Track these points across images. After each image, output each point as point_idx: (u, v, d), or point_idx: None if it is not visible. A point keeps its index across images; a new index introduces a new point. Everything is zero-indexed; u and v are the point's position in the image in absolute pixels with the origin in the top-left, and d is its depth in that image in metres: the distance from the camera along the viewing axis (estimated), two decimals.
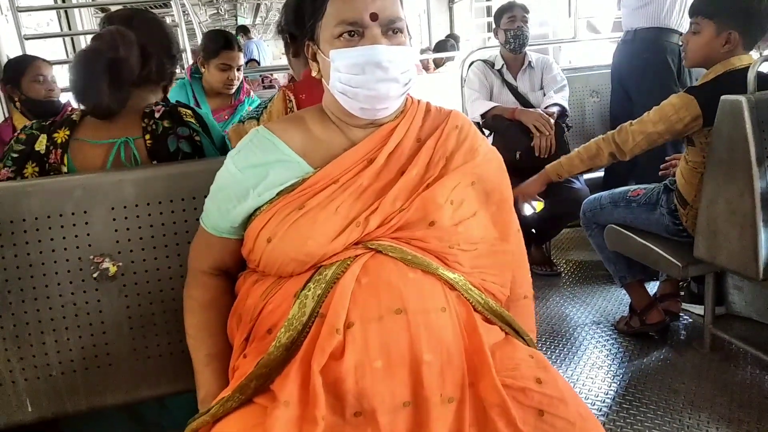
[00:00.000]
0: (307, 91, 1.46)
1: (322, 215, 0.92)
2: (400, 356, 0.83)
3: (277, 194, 0.96)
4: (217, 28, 9.93)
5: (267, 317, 0.91)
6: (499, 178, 1.08)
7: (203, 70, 2.41)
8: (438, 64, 5.69)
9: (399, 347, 0.83)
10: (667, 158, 2.15)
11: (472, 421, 0.84)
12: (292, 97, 1.49)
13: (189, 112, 1.36)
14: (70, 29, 5.34)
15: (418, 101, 1.08)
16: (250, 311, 0.94)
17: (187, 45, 3.22)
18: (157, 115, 1.30)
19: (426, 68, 5.55)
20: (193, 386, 1.01)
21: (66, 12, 4.92)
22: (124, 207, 1.19)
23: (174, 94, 2.41)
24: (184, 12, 3.72)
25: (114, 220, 1.18)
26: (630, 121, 1.90)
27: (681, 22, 2.64)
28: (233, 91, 2.44)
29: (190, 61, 2.98)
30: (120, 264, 1.19)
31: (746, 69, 1.68)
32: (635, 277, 2.13)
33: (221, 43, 2.36)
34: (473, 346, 0.90)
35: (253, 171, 0.97)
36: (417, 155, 0.99)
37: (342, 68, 0.92)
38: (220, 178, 1.02)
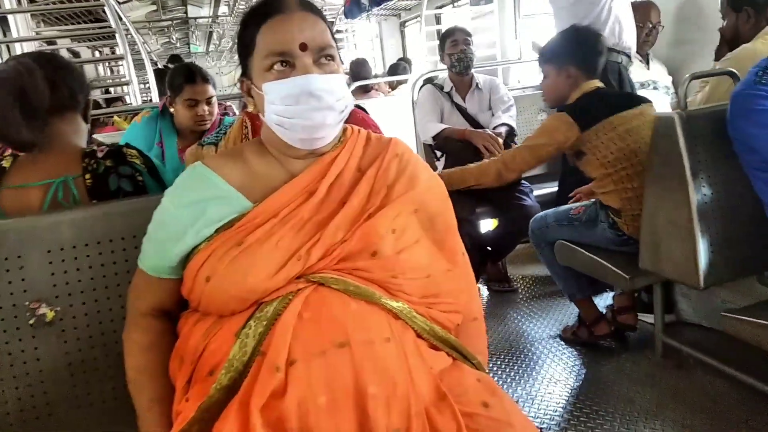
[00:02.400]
0: None
1: (262, 250, 0.91)
2: (345, 391, 0.82)
3: (216, 231, 0.94)
4: (173, 54, 9.85)
5: (208, 358, 0.89)
6: (442, 204, 1.09)
7: (171, 109, 2.26)
8: (392, 87, 5.77)
9: (343, 381, 0.82)
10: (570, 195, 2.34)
11: None
12: (249, 124, 1.48)
13: (134, 152, 1.34)
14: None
15: (359, 130, 1.08)
16: (192, 352, 0.92)
17: (134, 77, 3.18)
18: (99, 154, 1.28)
19: (382, 91, 5.62)
20: None
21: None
22: (62, 249, 1.15)
23: (142, 129, 2.29)
24: (131, 43, 3.68)
25: (50, 263, 1.15)
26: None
27: (620, 41, 2.73)
28: (207, 126, 2.25)
29: (137, 94, 2.94)
30: (58, 309, 1.15)
31: (596, 91, 2.02)
32: (584, 294, 2.20)
33: (183, 78, 2.20)
34: (421, 373, 0.90)
35: (190, 209, 0.96)
36: (358, 185, 0.99)
37: (276, 100, 0.93)
38: (157, 216, 1.00)
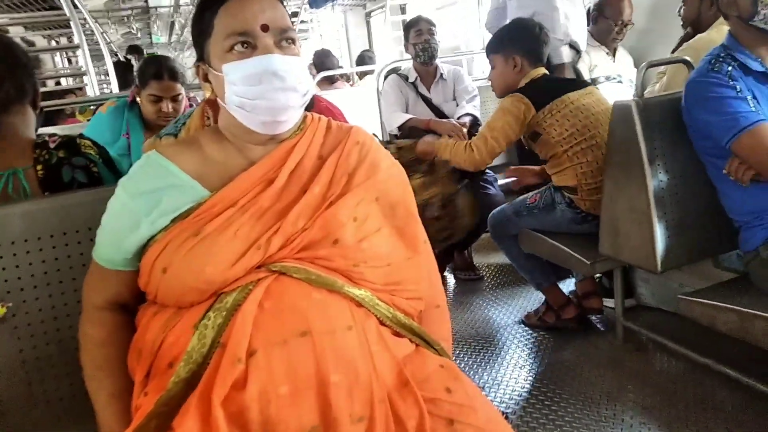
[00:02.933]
0: None
1: (221, 240, 0.89)
2: (307, 380, 0.82)
3: (172, 221, 0.92)
4: (131, 45, 9.58)
5: (167, 351, 0.88)
6: (403, 192, 1.08)
7: (138, 100, 2.20)
8: (360, 77, 5.74)
9: (305, 371, 0.82)
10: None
11: None
12: (210, 113, 1.44)
13: (88, 143, 1.30)
14: None
15: (319, 118, 1.07)
16: (150, 346, 0.90)
17: (90, 67, 3.09)
18: (51, 145, 1.24)
19: (347, 82, 5.58)
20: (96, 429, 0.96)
21: None
22: (12, 243, 1.12)
23: (107, 119, 2.23)
24: (88, 32, 3.57)
25: (1, 258, 1.11)
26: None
27: (568, 35, 2.78)
28: (172, 123, 2.23)
29: (95, 85, 2.85)
30: (10, 305, 1.11)
31: (542, 76, 2.13)
32: (550, 281, 2.25)
33: (150, 72, 2.12)
34: (384, 360, 0.90)
35: (145, 198, 0.93)
36: (319, 173, 0.98)
37: (237, 81, 0.91)
38: (111, 207, 0.98)
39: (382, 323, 0.95)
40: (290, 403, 0.80)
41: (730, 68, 1.53)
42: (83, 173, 1.25)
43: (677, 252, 1.68)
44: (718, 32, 2.06)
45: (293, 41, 0.94)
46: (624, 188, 1.74)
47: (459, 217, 2.37)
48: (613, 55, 3.05)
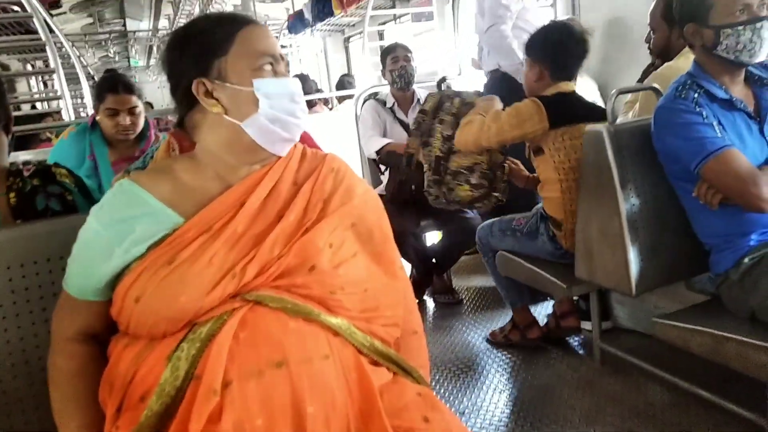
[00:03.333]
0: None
1: (195, 268, 0.88)
2: (283, 411, 0.81)
3: (147, 249, 0.91)
4: (108, 68, 9.53)
5: (139, 383, 0.86)
6: (378, 217, 1.09)
7: (98, 117, 2.22)
8: (340, 101, 5.79)
9: (281, 402, 0.81)
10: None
11: None
12: (176, 146, 1.43)
13: (64, 171, 1.29)
14: None
15: (294, 145, 1.08)
16: (122, 378, 0.88)
17: (66, 91, 3.07)
18: (26, 173, 1.22)
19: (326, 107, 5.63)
20: None
21: None
22: None
23: (69, 144, 2.23)
24: (64, 56, 3.56)
25: None
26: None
27: None
28: (132, 137, 2.21)
29: (70, 109, 2.83)
30: None
31: (573, 94, 2.01)
32: (524, 302, 2.29)
33: (105, 86, 2.18)
34: (361, 390, 0.90)
35: (117, 226, 0.92)
36: (294, 199, 0.98)
37: (275, 96, 0.95)
38: (83, 235, 0.96)
39: (359, 352, 0.95)
40: None
41: (696, 95, 1.57)
42: (57, 201, 1.23)
43: (651, 275, 1.71)
44: (686, 60, 2.12)
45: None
46: (597, 213, 1.76)
47: (496, 188, 2.32)
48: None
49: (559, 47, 2.00)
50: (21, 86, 7.17)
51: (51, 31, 3.74)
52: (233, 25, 0.96)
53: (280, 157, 1.02)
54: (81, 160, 2.18)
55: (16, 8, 4.16)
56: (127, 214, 0.93)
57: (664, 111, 1.63)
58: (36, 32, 4.06)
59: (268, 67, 0.95)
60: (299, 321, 0.89)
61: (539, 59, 2.03)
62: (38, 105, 5.94)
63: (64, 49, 4.57)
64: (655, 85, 1.91)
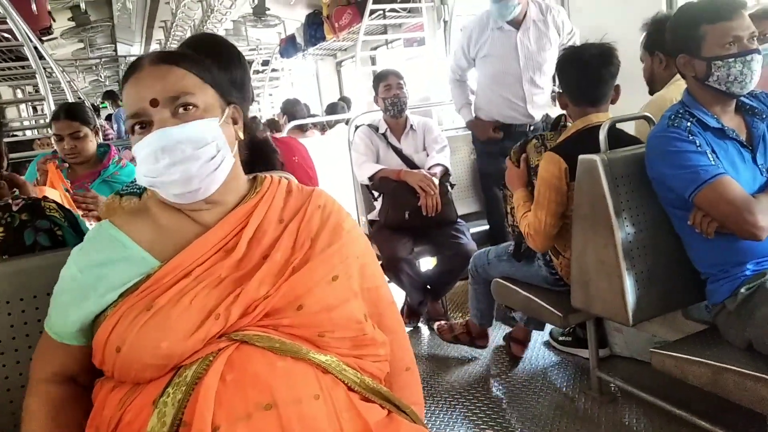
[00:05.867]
0: None
1: (174, 313, 0.85)
2: None
3: (120, 296, 0.88)
4: (108, 90, 9.55)
5: (125, 429, 0.83)
6: (367, 254, 1.07)
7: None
8: (330, 126, 5.80)
9: None
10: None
11: None
12: None
13: (53, 206, 1.27)
14: None
15: (279, 180, 1.05)
16: (106, 424, 0.85)
17: None
18: (14, 208, 1.20)
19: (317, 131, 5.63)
20: None
21: None
22: None
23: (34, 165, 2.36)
24: (53, 81, 3.55)
25: None
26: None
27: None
28: (78, 160, 2.33)
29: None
30: None
31: (589, 130, 1.85)
32: (488, 324, 2.46)
33: (53, 115, 2.38)
34: (355, 426, 0.87)
35: (93, 271, 0.91)
36: (280, 238, 0.95)
37: (141, 161, 0.90)
38: (62, 278, 0.94)
39: (350, 389, 0.92)
40: None
41: (689, 124, 1.58)
42: (47, 236, 1.21)
43: (648, 304, 1.69)
44: (676, 89, 2.14)
45: (192, 105, 0.91)
46: (592, 241, 1.76)
47: None
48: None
49: (575, 72, 1.91)
50: (11, 112, 7.16)
51: (41, 57, 3.73)
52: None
53: (262, 196, 0.99)
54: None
55: (7, 35, 4.17)
56: (104, 258, 0.92)
57: (657, 139, 1.63)
58: (25, 59, 4.06)
59: (137, 129, 0.91)
60: (287, 360, 0.86)
61: (562, 85, 1.96)
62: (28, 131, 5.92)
63: (54, 75, 4.56)
64: (647, 114, 1.92)
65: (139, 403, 0.83)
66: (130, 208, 1.03)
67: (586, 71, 1.89)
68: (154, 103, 0.89)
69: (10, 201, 1.21)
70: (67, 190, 2.04)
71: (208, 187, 0.92)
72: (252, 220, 0.96)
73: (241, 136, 1.00)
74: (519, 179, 2.10)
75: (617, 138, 1.86)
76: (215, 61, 1.03)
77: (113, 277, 0.89)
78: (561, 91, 1.99)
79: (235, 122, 0.99)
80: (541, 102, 2.88)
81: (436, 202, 2.67)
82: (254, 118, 1.51)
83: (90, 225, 1.68)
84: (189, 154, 0.88)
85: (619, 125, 1.91)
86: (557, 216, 1.89)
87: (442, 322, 2.61)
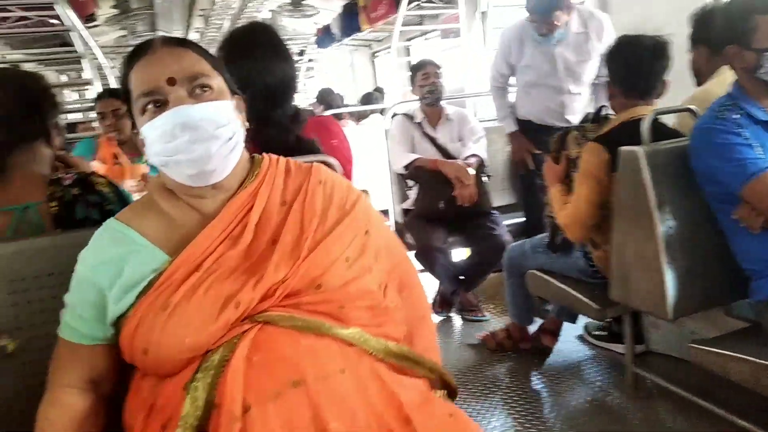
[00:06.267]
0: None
1: (191, 308, 0.86)
2: (305, 430, 0.79)
3: (136, 298, 0.89)
4: None
5: (158, 414, 0.85)
6: (373, 217, 1.08)
7: None
8: (363, 116, 5.82)
9: (302, 422, 0.79)
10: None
11: None
12: None
13: (103, 180, 1.31)
14: None
15: (277, 160, 1.04)
16: (141, 409, 0.87)
17: None
18: (66, 182, 1.24)
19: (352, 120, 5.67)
20: None
21: None
22: (23, 279, 1.11)
23: (84, 142, 2.62)
24: (99, 67, 3.65)
25: (13, 293, 1.10)
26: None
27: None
28: (120, 137, 2.51)
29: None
30: (19, 340, 1.10)
31: (635, 122, 1.79)
32: (528, 323, 2.42)
33: (98, 95, 2.67)
34: (381, 400, 0.87)
35: (105, 268, 0.91)
36: (286, 221, 0.95)
37: (154, 140, 0.89)
38: (74, 280, 0.95)
39: (376, 359, 0.93)
40: None
41: (736, 116, 1.54)
42: (97, 211, 1.25)
43: (688, 299, 1.67)
44: (718, 84, 2.09)
45: (209, 87, 0.92)
46: (632, 234, 1.73)
47: None
48: None
49: (627, 62, 1.86)
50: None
51: (86, 44, 3.84)
52: (129, 65, 0.94)
53: (262, 179, 0.99)
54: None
55: (54, 21, 4.29)
56: (114, 254, 0.92)
57: (703, 131, 1.60)
58: (71, 45, 4.18)
59: (150, 108, 0.90)
60: (311, 337, 0.87)
61: (611, 76, 1.91)
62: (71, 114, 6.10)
63: (97, 61, 4.68)
64: (691, 106, 1.88)
65: (170, 389, 0.85)
66: (136, 202, 1.03)
67: (639, 63, 1.85)
68: (171, 81, 0.89)
69: (61, 175, 1.26)
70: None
71: (223, 169, 0.93)
72: (256, 205, 0.95)
73: (246, 125, 1.01)
74: (556, 175, 2.07)
75: (658, 131, 1.82)
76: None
77: (127, 274, 0.90)
78: (609, 80, 1.94)
79: (240, 111, 1.00)
80: (580, 107, 2.83)
81: (471, 192, 2.67)
82: (298, 112, 1.49)
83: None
84: (211, 133, 0.89)
85: (660, 119, 1.87)
86: (595, 206, 1.86)
87: (486, 332, 2.54)
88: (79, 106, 5.92)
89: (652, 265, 1.67)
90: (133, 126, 0.96)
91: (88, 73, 3.33)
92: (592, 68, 2.67)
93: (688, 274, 1.67)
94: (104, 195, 1.28)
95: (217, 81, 0.94)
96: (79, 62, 4.17)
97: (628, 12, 2.98)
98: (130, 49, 0.99)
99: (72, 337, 0.93)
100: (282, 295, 0.90)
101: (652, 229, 1.65)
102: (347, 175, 1.57)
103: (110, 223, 0.96)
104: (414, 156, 2.87)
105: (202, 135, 0.88)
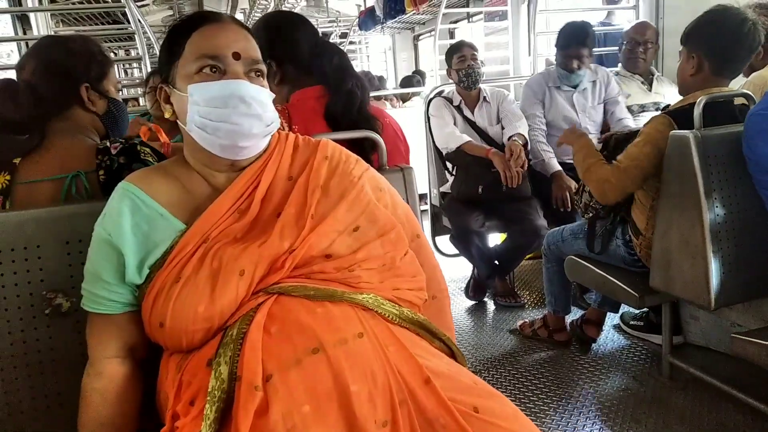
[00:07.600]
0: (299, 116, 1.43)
1: (201, 278, 0.89)
2: (327, 395, 0.81)
3: (151, 269, 0.92)
4: None
5: (186, 389, 0.87)
6: (385, 190, 1.08)
7: None
8: (405, 99, 5.81)
9: (324, 386, 0.81)
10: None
11: None
12: (285, 126, 1.44)
13: (148, 150, 1.34)
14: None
15: (286, 135, 1.07)
16: (171, 387, 0.90)
17: None
18: (113, 151, 1.29)
19: (392, 104, 5.67)
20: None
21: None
22: (79, 241, 1.16)
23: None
24: (148, 45, 3.72)
25: (68, 254, 1.15)
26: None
27: None
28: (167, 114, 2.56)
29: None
30: (74, 299, 1.15)
31: (726, 101, 1.75)
32: (564, 313, 2.39)
33: (149, 73, 2.84)
34: (400, 361, 0.88)
35: (125, 233, 0.93)
36: (291, 194, 0.98)
37: (201, 101, 0.92)
38: (93, 246, 0.97)
39: (391, 322, 0.94)
40: (315, 420, 0.79)
41: None
42: None
43: (732, 289, 1.63)
44: None
45: (262, 74, 0.97)
46: (678, 221, 1.70)
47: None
48: (650, 85, 3.01)
49: (725, 34, 1.71)
50: None
51: (137, 21, 3.92)
52: (189, 27, 0.96)
53: (271, 154, 1.01)
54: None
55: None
56: (132, 221, 0.94)
57: (758, 117, 1.55)
58: (122, 22, 4.27)
59: (206, 70, 0.92)
60: (325, 305, 0.89)
61: (697, 48, 1.75)
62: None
63: (147, 38, 4.79)
64: (747, 91, 1.82)
65: (194, 365, 0.88)
66: (150, 168, 1.05)
67: (740, 39, 1.70)
68: (236, 56, 0.93)
69: (108, 144, 1.30)
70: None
71: (253, 149, 0.97)
72: (263, 180, 0.98)
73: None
74: (576, 133, 2.08)
75: (732, 115, 1.76)
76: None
77: (152, 239, 0.93)
78: (690, 51, 1.78)
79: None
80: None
81: (519, 173, 2.61)
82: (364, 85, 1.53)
83: None
84: (259, 113, 0.94)
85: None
86: (643, 173, 1.76)
87: (525, 320, 2.53)
88: (127, 82, 6.08)
89: (697, 253, 1.63)
90: (165, 80, 0.98)
91: (139, 50, 3.40)
92: (601, 112, 2.96)
93: (733, 264, 1.63)
94: (150, 164, 1.32)
95: (265, 72, 0.99)
96: (129, 39, 4.25)
97: (680, 14, 2.92)
98: None
99: (101, 308, 0.96)
100: (291, 267, 0.92)
101: (698, 215, 1.62)
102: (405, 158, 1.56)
103: (125, 186, 0.98)
104: (466, 138, 2.80)
105: (252, 111, 0.93)
